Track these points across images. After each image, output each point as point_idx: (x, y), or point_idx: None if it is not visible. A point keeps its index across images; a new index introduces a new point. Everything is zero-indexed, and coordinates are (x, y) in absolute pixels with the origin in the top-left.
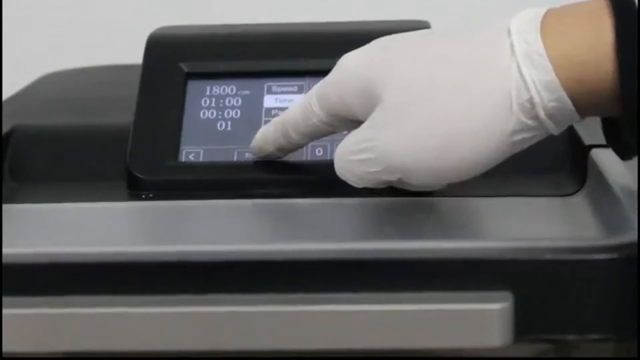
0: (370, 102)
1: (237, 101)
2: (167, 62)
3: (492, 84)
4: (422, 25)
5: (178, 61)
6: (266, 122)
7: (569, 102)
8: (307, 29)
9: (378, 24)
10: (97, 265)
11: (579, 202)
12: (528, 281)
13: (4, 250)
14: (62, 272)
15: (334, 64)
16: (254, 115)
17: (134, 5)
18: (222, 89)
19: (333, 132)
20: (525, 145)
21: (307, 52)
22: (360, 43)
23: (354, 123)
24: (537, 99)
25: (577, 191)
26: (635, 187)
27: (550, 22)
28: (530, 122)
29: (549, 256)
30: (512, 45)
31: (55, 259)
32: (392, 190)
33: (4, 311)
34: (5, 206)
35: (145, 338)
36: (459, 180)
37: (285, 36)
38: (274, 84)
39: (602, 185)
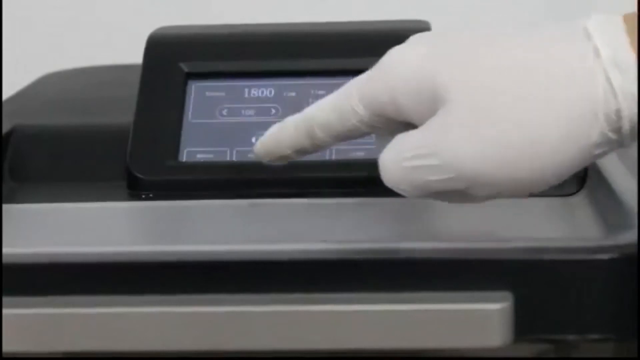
0: (431, 104)
1: (237, 101)
2: (167, 62)
3: (577, 91)
4: (422, 25)
5: (178, 61)
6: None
7: None
8: (307, 29)
9: (378, 24)
10: (97, 265)
11: (579, 202)
12: (528, 281)
13: (4, 250)
14: (62, 272)
15: (334, 64)
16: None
17: (134, 5)
18: (222, 89)
19: (370, 134)
20: (600, 158)
21: (308, 52)
22: (361, 43)
23: (400, 125)
24: (625, 110)
25: (577, 191)
26: (635, 187)
27: (631, 30)
28: (612, 135)
29: (549, 256)
30: (596, 50)
31: (55, 259)
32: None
33: (4, 311)
34: (5, 206)
35: (145, 338)
36: (533, 191)
37: (286, 36)
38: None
39: (602, 185)
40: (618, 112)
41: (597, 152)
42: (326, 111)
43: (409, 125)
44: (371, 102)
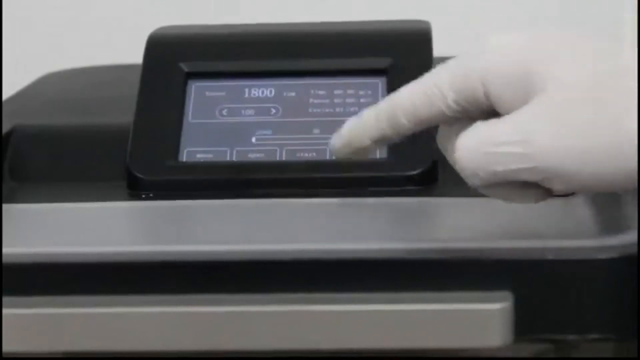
0: (525, 91)
1: (237, 101)
2: (167, 62)
3: None
4: (422, 25)
5: (178, 61)
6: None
7: None
8: (307, 29)
9: (378, 24)
10: (97, 265)
11: (579, 202)
12: (528, 281)
13: (4, 250)
14: (62, 272)
15: (334, 64)
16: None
17: (134, 5)
18: (222, 89)
19: (453, 120)
20: None
21: (308, 52)
22: (361, 43)
23: (484, 113)
24: None
25: None
26: (635, 186)
27: None
28: None
29: (549, 256)
30: None
31: (55, 259)
32: (392, 190)
33: (4, 311)
34: (5, 206)
35: (145, 338)
36: (612, 190)
37: (286, 36)
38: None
39: None
40: None
41: None
42: (412, 96)
43: (492, 115)
44: (462, 87)
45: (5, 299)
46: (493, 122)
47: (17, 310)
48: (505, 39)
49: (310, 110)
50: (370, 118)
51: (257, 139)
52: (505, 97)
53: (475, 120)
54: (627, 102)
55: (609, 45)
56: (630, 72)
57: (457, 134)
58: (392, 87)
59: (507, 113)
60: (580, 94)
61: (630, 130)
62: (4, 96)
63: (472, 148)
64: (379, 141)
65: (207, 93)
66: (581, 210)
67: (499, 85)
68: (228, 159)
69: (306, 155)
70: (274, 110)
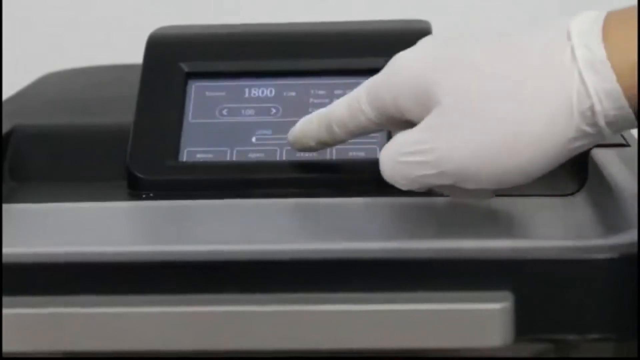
0: (427, 104)
1: (237, 101)
2: (167, 62)
3: (553, 90)
4: (422, 25)
5: (178, 61)
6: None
7: (629, 111)
8: (307, 29)
9: (378, 23)
10: (97, 265)
11: (579, 202)
12: (528, 281)
13: (4, 250)
14: (62, 272)
15: (334, 64)
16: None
17: (134, 5)
18: (222, 88)
19: (380, 131)
20: (581, 150)
21: (308, 52)
22: (361, 43)
23: (403, 123)
24: (598, 107)
25: (577, 191)
26: (635, 187)
27: (612, 27)
28: (589, 129)
29: (549, 256)
30: (572, 50)
31: (55, 259)
32: (392, 190)
33: (4, 311)
34: (5, 206)
35: (145, 338)
36: (516, 184)
37: (286, 36)
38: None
39: (603, 185)
40: (592, 109)
41: (574, 145)
42: (341, 109)
43: (411, 125)
44: (376, 103)
45: (5, 299)
46: (404, 133)
47: (17, 310)
48: (410, 56)
49: (310, 110)
50: (313, 123)
51: (257, 139)
52: (414, 110)
53: (402, 130)
54: (519, 106)
55: (499, 48)
56: (518, 72)
57: None
58: None
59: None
60: (472, 102)
61: (522, 133)
62: (4, 96)
63: (389, 158)
64: (320, 144)
65: (207, 93)
66: (581, 210)
67: (406, 99)
68: (228, 159)
69: (306, 155)
70: (274, 110)
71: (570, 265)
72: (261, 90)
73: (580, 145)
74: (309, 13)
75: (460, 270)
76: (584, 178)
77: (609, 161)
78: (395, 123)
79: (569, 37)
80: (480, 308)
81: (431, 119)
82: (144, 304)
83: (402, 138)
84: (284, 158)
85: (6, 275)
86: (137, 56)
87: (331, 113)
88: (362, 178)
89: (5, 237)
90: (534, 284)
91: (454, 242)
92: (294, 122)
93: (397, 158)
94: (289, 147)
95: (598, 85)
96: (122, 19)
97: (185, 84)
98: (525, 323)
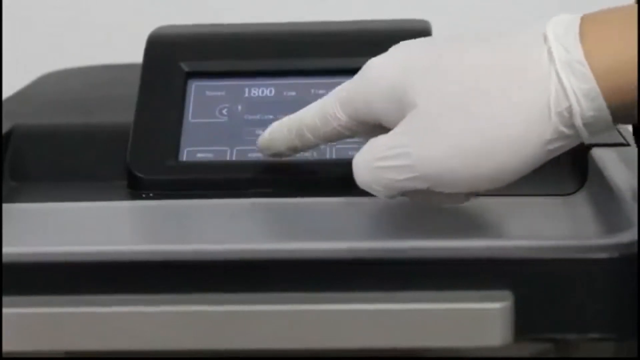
0: (401, 109)
1: (237, 100)
2: (167, 61)
3: (531, 92)
4: (422, 25)
5: (178, 60)
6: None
7: (607, 112)
8: (307, 28)
9: (378, 23)
10: (97, 265)
11: (579, 202)
12: (528, 281)
13: (4, 250)
14: (62, 272)
15: (334, 64)
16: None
17: (134, 5)
18: (222, 88)
19: (352, 137)
20: (559, 153)
21: (308, 52)
22: (361, 43)
23: (376, 129)
24: (576, 108)
25: (577, 190)
26: (635, 186)
27: (589, 29)
28: (566, 130)
29: (549, 255)
30: (550, 52)
31: (55, 258)
32: None
33: (4, 311)
34: (5, 206)
35: (146, 337)
36: (493, 187)
37: (286, 36)
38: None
39: (603, 185)
40: (569, 109)
41: (552, 147)
42: (313, 115)
43: (384, 130)
44: (349, 109)
45: (5, 299)
46: (379, 138)
47: (17, 310)
48: (383, 59)
49: None
50: (283, 129)
51: (257, 139)
52: (388, 114)
53: (375, 135)
54: (495, 108)
55: (475, 51)
56: (495, 75)
57: None
58: None
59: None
60: (448, 105)
61: (499, 135)
62: (4, 96)
63: (364, 164)
64: (291, 149)
65: (207, 92)
66: (581, 210)
67: (380, 104)
68: (228, 158)
69: (306, 155)
70: (274, 110)
71: (570, 265)
72: (261, 90)
73: (557, 147)
74: (309, 13)
75: (460, 269)
76: (583, 177)
77: (609, 161)
78: (369, 129)
79: (545, 40)
80: (480, 307)
81: (406, 123)
82: (144, 303)
83: (377, 143)
84: (283, 158)
85: (6, 275)
86: (137, 56)
87: (302, 119)
88: None
89: (5, 237)
90: (534, 284)
91: (454, 242)
92: None
93: (373, 164)
94: None
95: (575, 86)
96: (122, 19)
97: (185, 83)
98: (525, 323)
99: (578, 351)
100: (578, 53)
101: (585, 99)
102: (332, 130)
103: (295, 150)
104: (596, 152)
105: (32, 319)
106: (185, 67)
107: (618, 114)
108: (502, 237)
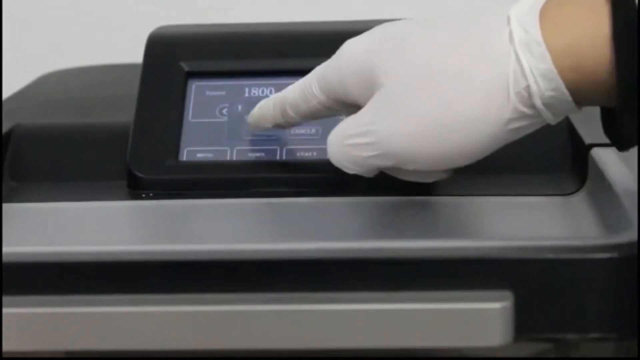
0: (370, 88)
1: (238, 100)
2: (167, 61)
3: (490, 71)
4: None
5: (178, 60)
6: None
7: (566, 92)
8: (307, 28)
9: (378, 23)
10: (97, 265)
11: (579, 202)
12: (528, 280)
13: (4, 250)
14: (62, 272)
15: None
16: None
17: (134, 5)
18: (222, 88)
19: (333, 115)
20: (522, 134)
21: (307, 52)
22: None
23: (354, 107)
24: (534, 88)
25: (577, 190)
26: (635, 186)
27: (550, 11)
28: (527, 110)
29: (549, 255)
30: (510, 33)
31: (55, 258)
32: (391, 189)
33: (4, 311)
34: (5, 206)
35: (146, 337)
36: (456, 166)
37: (286, 36)
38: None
39: (603, 185)
40: (527, 89)
41: (513, 126)
42: (295, 93)
43: (360, 109)
44: (326, 87)
45: (5, 299)
46: (350, 118)
47: (17, 310)
48: (357, 41)
49: None
50: (269, 106)
51: (257, 138)
52: (360, 93)
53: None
54: (456, 87)
55: (440, 32)
56: (457, 54)
57: None
58: None
59: None
60: (411, 85)
61: (459, 113)
62: (4, 96)
63: (335, 142)
64: (277, 125)
65: (207, 92)
66: (581, 210)
67: (353, 83)
68: (228, 158)
69: (306, 154)
70: None
71: (570, 265)
72: (261, 89)
73: (519, 126)
74: (309, 13)
75: (460, 269)
76: (583, 177)
77: (609, 161)
78: (346, 107)
79: (508, 22)
80: (480, 307)
81: (373, 102)
82: (144, 303)
83: (347, 121)
84: (284, 157)
85: (6, 275)
86: (137, 56)
87: (286, 97)
88: (362, 177)
89: (5, 237)
90: (534, 284)
91: (454, 242)
92: None
93: (343, 141)
94: (289, 147)
95: (533, 65)
96: (122, 19)
97: (185, 83)
98: (525, 322)
99: (578, 351)
100: (536, 33)
101: (543, 78)
102: (312, 108)
103: (279, 126)
104: (596, 152)
105: (32, 319)
106: (185, 66)
107: (580, 95)
108: (502, 237)
